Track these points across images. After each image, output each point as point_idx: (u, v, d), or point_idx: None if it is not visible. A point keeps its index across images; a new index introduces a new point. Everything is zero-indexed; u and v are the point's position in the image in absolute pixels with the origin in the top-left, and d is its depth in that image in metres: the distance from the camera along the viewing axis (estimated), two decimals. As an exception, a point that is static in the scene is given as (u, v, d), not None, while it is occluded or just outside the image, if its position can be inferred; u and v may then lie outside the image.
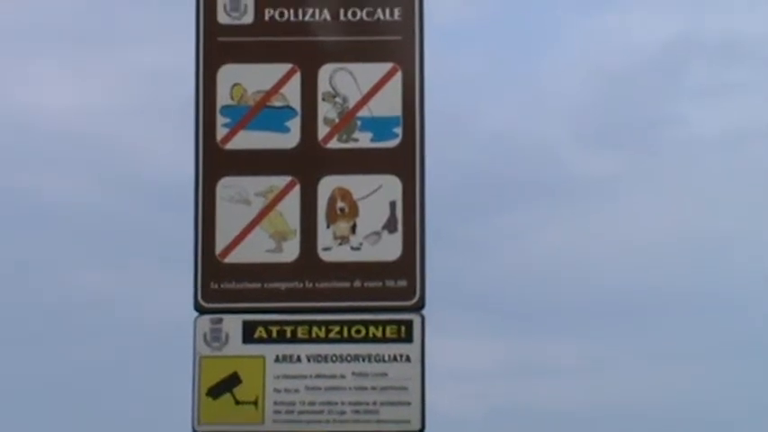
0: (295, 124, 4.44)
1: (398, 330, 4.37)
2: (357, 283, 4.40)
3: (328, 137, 4.44)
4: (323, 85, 4.44)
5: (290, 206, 4.42)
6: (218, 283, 4.41)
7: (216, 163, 4.44)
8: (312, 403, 4.34)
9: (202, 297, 4.41)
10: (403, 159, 4.44)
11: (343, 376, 4.35)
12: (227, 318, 4.39)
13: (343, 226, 4.40)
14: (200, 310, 4.41)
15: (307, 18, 4.47)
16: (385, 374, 4.35)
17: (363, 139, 4.43)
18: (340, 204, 4.41)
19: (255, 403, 4.35)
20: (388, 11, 4.48)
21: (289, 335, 4.38)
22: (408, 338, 4.37)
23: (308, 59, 4.46)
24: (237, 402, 4.35)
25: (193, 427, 4.38)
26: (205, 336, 4.38)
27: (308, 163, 4.43)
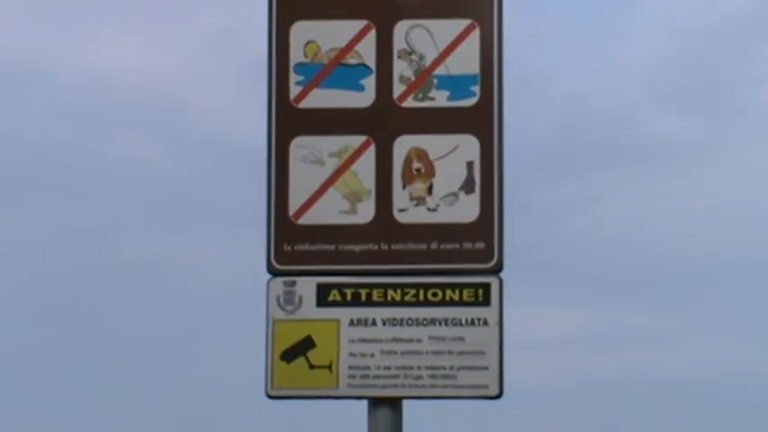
0: (370, 83, 4.45)
1: (476, 293, 4.39)
2: (434, 245, 4.41)
3: (404, 95, 4.44)
4: (398, 43, 4.45)
5: (365, 166, 4.44)
6: (292, 245, 4.44)
7: (289, 122, 4.47)
8: (387, 368, 4.37)
9: (275, 259, 4.45)
10: (481, 119, 4.44)
11: (419, 340, 4.37)
12: (300, 280, 4.43)
13: (419, 187, 4.41)
14: (274, 272, 4.45)
15: None
16: (462, 338, 4.36)
17: (440, 98, 4.43)
18: (416, 165, 4.42)
19: (330, 367, 4.38)
20: None
21: (363, 298, 4.41)
22: (486, 302, 4.38)
23: (384, 16, 4.46)
24: (312, 366, 4.39)
25: (267, 392, 4.43)
26: (278, 299, 4.42)
27: (383, 122, 4.45)
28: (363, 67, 4.46)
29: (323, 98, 4.47)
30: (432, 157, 4.42)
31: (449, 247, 4.41)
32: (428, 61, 4.44)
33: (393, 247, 4.42)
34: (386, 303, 4.41)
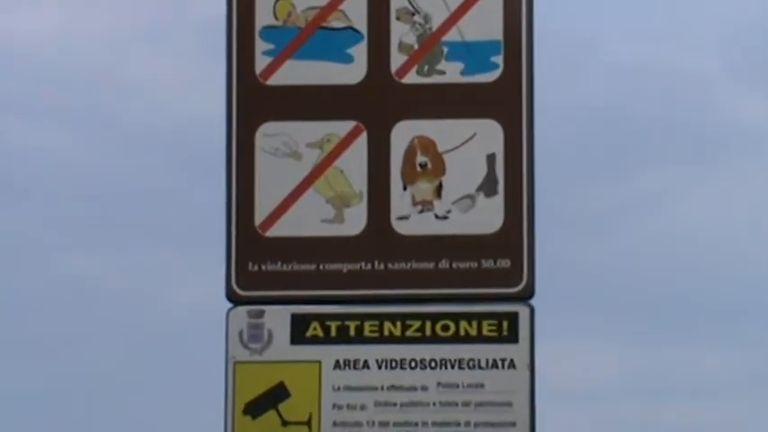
0: (360, 52, 4.48)
1: (499, 326, 4.39)
2: (444, 264, 4.42)
3: (405, 69, 4.47)
4: (397, 0, 4.46)
5: (355, 161, 4.45)
6: (259, 263, 4.45)
7: (255, 104, 4.50)
8: (384, 424, 4.38)
9: (238, 283, 4.46)
10: (504, 98, 4.47)
11: (424, 388, 4.37)
12: (270, 310, 4.43)
13: (424, 187, 4.43)
14: (236, 300, 4.46)
15: None
16: (482, 385, 4.37)
17: (452, 72, 4.46)
18: (421, 158, 4.43)
19: (308, 424, 4.40)
20: None
21: (353, 333, 4.42)
22: (512, 337, 4.39)
23: None
24: (285, 423, 4.40)
25: None
26: (241, 334, 4.43)
27: (377, 103, 4.48)
28: (351, 32, 4.47)
29: (299, 72, 4.48)
30: (441, 148, 4.42)
31: (464, 265, 4.41)
32: (436, 24, 4.45)
33: (391, 266, 4.43)
34: (381, 340, 4.40)
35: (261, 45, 4.49)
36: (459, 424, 4.37)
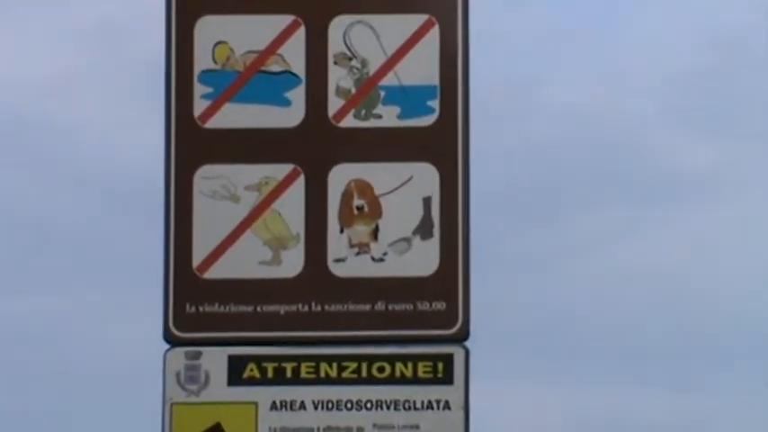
0: (298, 95, 4.49)
1: (434, 368, 4.40)
2: (380, 306, 4.43)
3: (342, 113, 4.48)
4: (335, 45, 4.49)
5: (292, 204, 4.46)
6: (196, 305, 4.45)
7: (193, 147, 4.50)
8: None
9: (175, 324, 4.45)
10: (440, 142, 4.49)
11: (361, 429, 4.39)
12: (207, 351, 4.43)
13: (361, 230, 4.44)
14: (173, 341, 4.45)
15: None
16: (417, 426, 4.38)
17: (388, 116, 4.47)
18: (357, 201, 4.45)
19: None
20: None
21: (289, 374, 4.42)
22: (448, 379, 4.40)
23: (316, 9, 4.51)
24: None
25: None
26: (179, 375, 4.42)
27: (315, 147, 4.49)
28: (290, 76, 4.48)
29: (237, 115, 4.49)
30: (377, 191, 4.44)
31: (400, 308, 4.42)
32: (373, 68, 4.47)
33: (328, 308, 4.43)
34: (318, 381, 4.41)
35: (199, 88, 4.49)
36: None
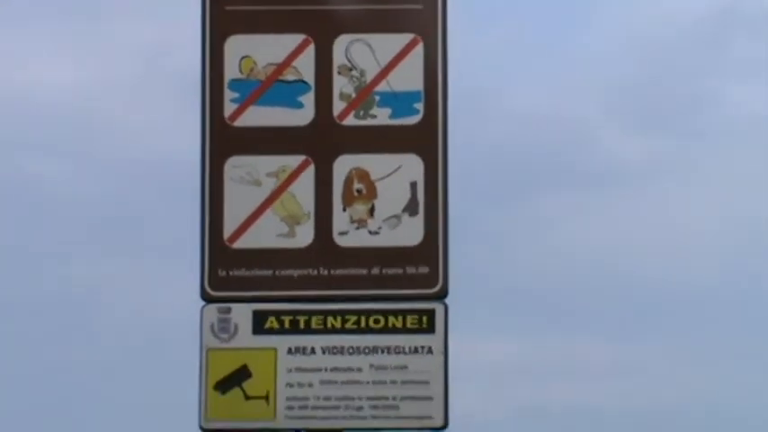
0: (309, 99, 4.47)
1: (420, 320, 4.41)
2: (375, 270, 4.43)
3: (344, 113, 4.47)
4: (338, 58, 4.47)
5: (304, 187, 4.45)
6: (227, 270, 4.45)
7: (224, 141, 4.48)
8: (327, 398, 4.39)
9: (209, 285, 4.45)
10: (424, 137, 4.47)
11: (360, 369, 4.39)
12: (235, 307, 4.43)
13: (360, 208, 4.44)
14: (208, 299, 4.45)
15: None
16: (405, 367, 4.39)
17: (382, 116, 4.47)
18: (357, 185, 4.45)
19: (267, 398, 4.40)
20: None
21: (302, 325, 4.42)
22: (430, 329, 4.40)
23: (323, 30, 4.49)
24: (247, 397, 4.40)
25: (200, 424, 4.43)
26: (212, 326, 4.43)
27: (322, 141, 4.47)
28: (302, 84, 4.47)
29: (259, 116, 4.48)
30: (373, 177, 4.44)
31: (391, 271, 4.43)
32: (369, 77, 4.46)
33: (333, 272, 4.44)
34: (325, 331, 4.41)
35: (229, 94, 4.48)
36: (387, 398, 4.38)
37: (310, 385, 4.39)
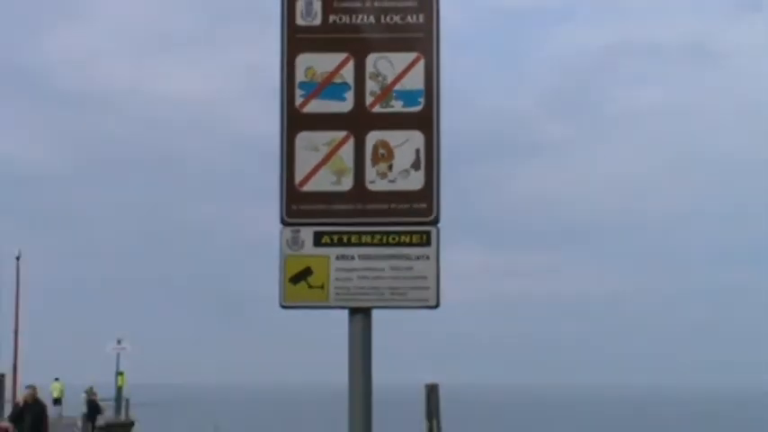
0: (350, 95, 4.48)
1: (421, 238, 4.46)
2: (393, 205, 4.46)
3: (373, 104, 4.49)
4: (369, 68, 4.51)
5: (346, 152, 4.49)
6: (297, 205, 4.49)
7: (295, 122, 4.51)
8: (362, 288, 4.45)
9: (286, 214, 4.49)
10: (424, 120, 4.49)
11: (383, 269, 4.46)
12: (303, 229, 4.49)
13: (383, 166, 4.47)
14: (285, 223, 4.50)
15: (358, 21, 4.53)
16: (411, 268, 4.45)
17: (397, 106, 4.48)
18: (381, 151, 4.48)
19: (322, 287, 4.46)
20: (414, 17, 4.52)
21: (346, 241, 4.46)
22: (428, 243, 4.46)
23: (359, 50, 4.51)
24: (310, 287, 4.45)
25: (280, 303, 4.50)
26: (288, 241, 4.49)
27: (358, 122, 4.49)
28: (345, 85, 4.50)
29: (318, 106, 4.51)
30: (392, 145, 4.48)
31: (403, 206, 4.46)
32: (389, 80, 4.50)
33: (365, 206, 4.47)
34: (361, 244, 4.47)
35: (298, 92, 4.51)
36: (400, 288, 4.44)
37: (351, 279, 4.43)
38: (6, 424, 20.07)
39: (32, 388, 20.17)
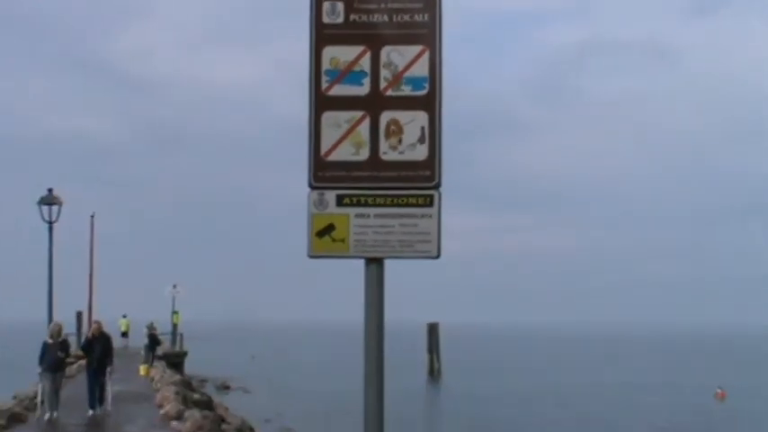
0: (367, 81, 4.45)
1: (425, 200, 4.45)
2: (402, 173, 4.45)
3: (386, 88, 4.47)
4: (383, 58, 4.48)
5: (364, 129, 4.47)
6: (322, 172, 4.48)
7: (321, 103, 4.49)
8: (376, 241, 4.46)
9: (313, 179, 4.49)
10: (429, 102, 4.46)
11: (393, 226, 4.46)
12: (327, 192, 4.48)
13: (394, 140, 4.45)
14: (312, 187, 4.50)
15: (374, 20, 4.51)
16: (416, 225, 4.45)
17: (406, 90, 4.46)
18: (392, 127, 4.46)
19: (344, 240, 4.46)
20: (421, 16, 4.49)
21: (363, 202, 4.46)
22: (431, 205, 4.45)
23: (375, 44, 4.49)
24: (333, 240, 4.46)
25: (308, 254, 4.51)
26: (314, 202, 4.48)
27: (374, 104, 4.47)
28: (363, 72, 4.48)
29: (340, 90, 4.48)
30: (401, 123, 4.46)
31: (410, 173, 4.45)
32: (400, 68, 4.47)
33: (380, 174, 4.46)
34: (375, 205, 4.46)
35: (324, 78, 4.48)
36: (408, 241, 4.42)
37: (366, 234, 4.42)
38: None
39: (97, 323, 20.31)
